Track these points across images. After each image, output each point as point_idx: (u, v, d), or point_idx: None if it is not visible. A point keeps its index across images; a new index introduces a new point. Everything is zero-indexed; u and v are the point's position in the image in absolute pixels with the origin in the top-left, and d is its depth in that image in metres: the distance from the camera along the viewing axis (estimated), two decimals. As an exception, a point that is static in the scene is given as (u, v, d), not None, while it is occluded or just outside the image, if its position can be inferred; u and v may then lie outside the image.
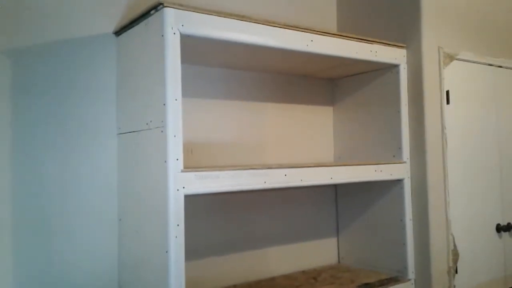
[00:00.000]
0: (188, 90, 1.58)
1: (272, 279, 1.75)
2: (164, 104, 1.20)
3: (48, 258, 1.34)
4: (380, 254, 1.81)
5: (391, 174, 1.70)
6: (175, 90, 1.20)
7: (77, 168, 1.40)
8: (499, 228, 1.98)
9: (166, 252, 1.16)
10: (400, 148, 1.73)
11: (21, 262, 1.30)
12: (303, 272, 1.85)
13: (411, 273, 1.71)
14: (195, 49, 1.40)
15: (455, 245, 1.76)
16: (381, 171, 1.66)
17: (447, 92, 1.81)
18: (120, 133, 1.46)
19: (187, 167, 1.22)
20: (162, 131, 1.20)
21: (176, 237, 1.17)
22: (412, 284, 1.71)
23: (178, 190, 1.18)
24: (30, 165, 1.33)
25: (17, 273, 1.30)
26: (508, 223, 2.02)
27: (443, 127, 1.76)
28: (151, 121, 1.26)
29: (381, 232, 1.80)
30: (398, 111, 1.74)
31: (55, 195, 1.36)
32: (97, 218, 1.42)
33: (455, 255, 1.76)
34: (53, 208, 1.36)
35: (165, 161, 1.18)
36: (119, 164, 1.46)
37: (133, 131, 1.37)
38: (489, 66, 2.02)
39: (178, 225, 1.17)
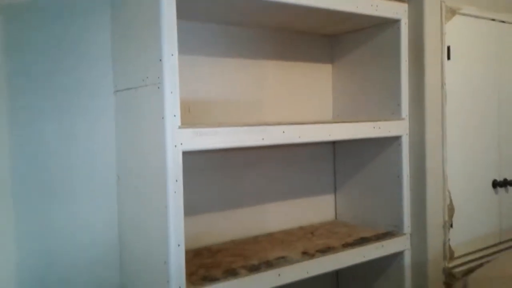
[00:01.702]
0: (185, 47, 1.55)
1: (270, 234, 1.79)
2: (160, 60, 1.18)
3: (48, 218, 1.36)
4: (377, 210, 1.83)
5: (389, 131, 1.69)
6: (171, 45, 1.18)
7: (75, 127, 1.40)
8: (495, 184, 2.01)
9: (165, 207, 1.18)
10: (399, 105, 1.72)
11: (20, 223, 1.32)
12: (301, 227, 1.89)
13: (407, 227, 1.74)
14: (191, 4, 1.36)
15: (451, 200, 1.79)
16: (379, 128, 1.66)
17: (448, 48, 1.78)
18: (116, 91, 1.45)
19: (185, 124, 1.21)
20: (158, 87, 1.19)
21: (175, 192, 1.18)
22: (407, 238, 1.74)
23: (176, 146, 1.18)
24: (27, 125, 1.32)
25: (16, 235, 1.32)
26: (505, 179, 2.04)
27: (443, 84, 1.75)
28: (147, 78, 1.25)
29: (378, 188, 1.82)
30: (398, 68, 1.71)
31: (53, 154, 1.37)
32: (96, 176, 1.43)
33: (451, 210, 1.79)
34: (51, 167, 1.36)
35: (163, 118, 1.17)
36: (117, 122, 1.46)
37: (130, 88, 1.35)
38: (492, 21, 1.98)
39: (176, 180, 1.18)
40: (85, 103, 1.41)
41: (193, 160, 1.60)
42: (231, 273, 1.33)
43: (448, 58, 1.78)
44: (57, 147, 1.37)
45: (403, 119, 1.73)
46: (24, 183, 1.32)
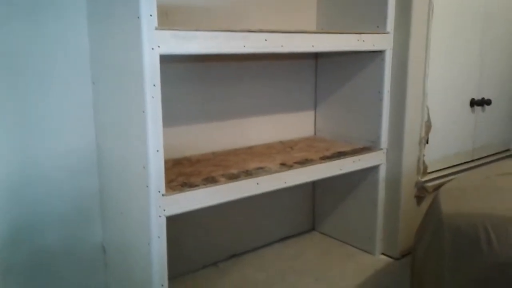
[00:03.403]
0: None
1: (250, 148, 1.80)
2: (134, -47, 1.09)
3: (21, 126, 1.31)
4: (355, 127, 1.85)
5: (373, 45, 1.66)
6: None
7: (47, 27, 1.32)
8: (473, 103, 2.03)
9: (143, 112, 1.15)
10: (384, 18, 1.67)
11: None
12: (280, 142, 1.90)
13: (384, 142, 1.77)
14: None
15: (429, 117, 1.81)
16: (363, 41, 1.62)
17: (439, -42, 1.70)
18: (88, -9, 1.35)
19: (162, 26, 1.15)
20: (133, -16, 1.11)
21: (152, 97, 1.15)
22: (384, 153, 1.78)
23: (153, 49, 1.13)
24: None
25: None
26: (483, 98, 2.06)
27: (430, -3, 1.70)
28: (121, -26, 1.16)
29: (358, 105, 1.82)
30: (386, -22, 1.64)
31: (24, 56, 1.29)
32: (70, 81, 1.38)
33: (428, 126, 1.81)
34: (23, 70, 1.30)
35: (138, 17, 1.11)
36: (90, 23, 1.37)
37: (102, -13, 1.27)
38: None
39: (154, 85, 1.15)
40: (58, 2, 1.32)
41: (172, 70, 1.55)
42: (211, 180, 1.35)
43: (438, -30, 1.70)
44: (28, 48, 1.30)
45: (388, 33, 1.69)
46: (-7, 87, 1.26)
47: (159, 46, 1.14)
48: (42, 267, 1.40)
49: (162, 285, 1.25)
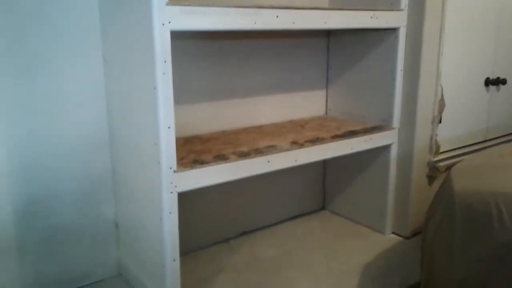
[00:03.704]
0: None
1: (260, 126, 1.79)
2: None
3: (34, 100, 1.33)
4: (367, 106, 1.83)
5: (386, 22, 1.63)
6: None
7: (56, 4, 1.31)
8: (488, 82, 2.00)
9: (154, 88, 1.15)
10: (398, -6, 1.64)
11: (4, 108, 1.29)
12: (291, 121, 1.90)
13: (396, 121, 1.75)
14: None
15: (442, 96, 1.78)
16: (377, 18, 1.59)
17: None
18: (98, -33, 1.34)
19: (173, 2, 1.14)
20: (143, -41, 1.10)
21: (164, 73, 1.15)
22: (396, 132, 1.76)
23: (163, 24, 1.12)
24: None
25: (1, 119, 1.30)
26: (498, 77, 2.02)
27: (446, -28, 1.65)
28: (131, -51, 1.15)
29: (371, 83, 1.80)
30: (401, -48, 1.60)
31: (37, 34, 1.30)
32: (81, 58, 1.38)
33: (441, 105, 1.79)
34: (35, 48, 1.30)
35: (149, -8, 1.10)
36: (100, 0, 1.37)
37: (113, -37, 1.26)
38: None
39: (165, 61, 1.14)
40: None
41: (183, 48, 1.55)
42: (221, 157, 1.35)
43: None
44: (38, 25, 1.30)
45: (401, 10, 1.66)
46: (5, 62, 1.27)
47: (169, 22, 1.13)
48: (56, 243, 1.43)
49: (174, 260, 1.27)
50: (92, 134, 1.44)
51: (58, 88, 1.36)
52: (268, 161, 1.42)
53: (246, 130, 1.73)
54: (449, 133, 1.89)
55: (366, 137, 1.68)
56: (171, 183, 1.22)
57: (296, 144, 1.52)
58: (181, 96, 1.54)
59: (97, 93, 1.43)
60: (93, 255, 1.51)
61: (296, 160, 1.49)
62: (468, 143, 2.00)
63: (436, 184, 1.81)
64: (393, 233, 1.86)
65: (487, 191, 1.12)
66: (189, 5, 1.16)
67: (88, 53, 1.39)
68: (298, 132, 1.70)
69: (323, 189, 2.11)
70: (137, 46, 1.21)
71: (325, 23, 1.46)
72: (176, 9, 1.14)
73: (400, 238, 1.83)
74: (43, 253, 1.41)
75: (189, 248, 1.69)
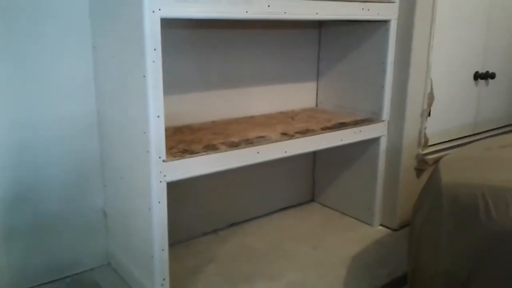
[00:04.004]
0: None
1: (251, 117, 1.79)
2: None
3: (21, 88, 1.31)
4: (358, 98, 1.84)
5: (378, 14, 1.63)
6: None
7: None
8: (477, 76, 2.01)
9: (144, 77, 1.14)
10: (390, -14, 1.64)
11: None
12: (282, 113, 1.90)
13: (386, 114, 1.76)
14: None
15: (432, 89, 1.79)
16: (368, 9, 1.59)
17: None
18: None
19: (163, -11, 1.13)
20: None
21: (153, 61, 1.14)
22: (385, 125, 1.77)
23: (153, 11, 1.11)
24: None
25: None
26: (487, 71, 2.04)
27: (438, -35, 1.66)
28: None
29: (361, 76, 1.80)
30: None
31: (26, 20, 1.27)
32: (70, 45, 1.36)
33: (431, 98, 1.80)
34: (25, 35, 1.28)
35: (138, -21, 1.09)
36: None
37: None
38: None
39: (155, 49, 1.13)
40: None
41: (173, 37, 1.53)
42: (211, 148, 1.35)
43: None
44: (27, 10, 1.27)
45: (393, 1, 1.66)
46: (-7, 49, 1.25)
47: (160, 9, 1.12)
48: (44, 230, 1.42)
49: (163, 250, 1.27)
50: (81, 122, 1.42)
51: (46, 75, 1.34)
52: (258, 152, 1.41)
53: (237, 121, 1.72)
54: (438, 127, 1.90)
55: (356, 129, 1.68)
56: (160, 172, 1.21)
57: (286, 135, 1.52)
58: (171, 85, 1.53)
59: (86, 81, 1.41)
60: (82, 244, 1.50)
61: (285, 151, 1.49)
62: (456, 137, 2.02)
63: (424, 177, 1.82)
64: (381, 225, 1.88)
65: (474, 183, 1.13)
66: (180, -8, 1.15)
67: (77, 40, 1.37)
68: (288, 123, 1.70)
69: (313, 181, 2.12)
70: (127, 33, 1.20)
71: (316, 13, 1.46)
72: (166, -4, 1.13)
73: (388, 230, 1.85)
74: (30, 241, 1.40)
75: (178, 239, 1.69)
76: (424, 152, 1.83)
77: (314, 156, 2.08)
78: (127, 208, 1.38)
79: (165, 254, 1.28)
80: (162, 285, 1.29)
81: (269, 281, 1.48)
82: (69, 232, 1.47)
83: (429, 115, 1.82)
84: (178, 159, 1.25)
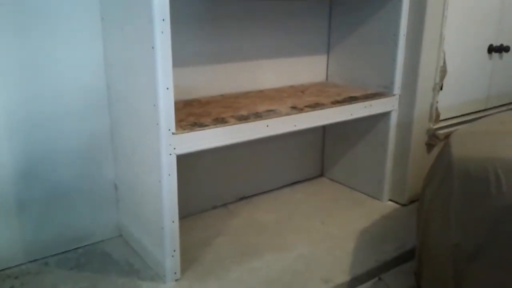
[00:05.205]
0: None
1: (260, 91, 1.78)
2: None
3: (31, 63, 1.30)
4: (368, 72, 1.81)
5: (391, -15, 1.59)
6: None
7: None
8: (491, 49, 1.97)
9: (152, 48, 1.13)
10: (404, -44, 1.59)
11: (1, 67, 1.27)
12: (291, 86, 1.88)
13: (397, 88, 1.74)
14: None
15: (444, 62, 1.76)
16: (381, -20, 1.55)
17: None
18: None
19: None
20: None
21: (162, 32, 1.12)
22: (396, 99, 1.75)
23: (162, -19, 1.09)
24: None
25: None
26: (501, 44, 1.99)
27: None
28: None
29: (372, 49, 1.77)
30: None
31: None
32: (79, 17, 1.35)
33: (443, 72, 1.77)
34: (33, 8, 1.27)
35: None
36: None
37: None
38: None
39: (163, 20, 1.12)
40: None
41: (182, 9, 1.51)
42: (221, 121, 1.35)
43: None
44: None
45: (406, -28, 1.62)
46: (2, 23, 1.24)
47: (168, -21, 1.10)
48: (56, 202, 1.44)
49: (173, 222, 1.28)
50: (91, 95, 1.42)
51: (56, 48, 1.33)
52: (267, 126, 1.41)
53: (246, 94, 1.71)
54: (450, 101, 1.87)
55: (366, 103, 1.67)
56: (170, 145, 1.21)
57: (296, 109, 1.51)
58: (180, 58, 1.52)
59: (95, 53, 1.40)
60: (93, 216, 1.52)
61: (295, 125, 1.48)
62: (468, 111, 1.99)
63: (435, 152, 1.81)
64: (390, 200, 1.87)
65: (485, 156, 1.12)
66: (189, -39, 1.13)
67: (85, 13, 1.36)
68: (298, 97, 1.69)
69: (322, 155, 2.11)
70: (135, 4, 1.18)
71: (328, -16, 1.43)
72: (175, -35, 1.11)
73: (397, 205, 1.85)
74: (43, 212, 1.42)
75: (188, 212, 1.71)
76: (435, 127, 1.81)
77: (323, 130, 2.07)
78: (138, 181, 1.39)
79: (175, 226, 1.29)
80: (172, 256, 1.31)
81: (278, 253, 1.50)
82: (80, 205, 1.49)
83: (441, 89, 1.79)
84: (188, 132, 1.25)
